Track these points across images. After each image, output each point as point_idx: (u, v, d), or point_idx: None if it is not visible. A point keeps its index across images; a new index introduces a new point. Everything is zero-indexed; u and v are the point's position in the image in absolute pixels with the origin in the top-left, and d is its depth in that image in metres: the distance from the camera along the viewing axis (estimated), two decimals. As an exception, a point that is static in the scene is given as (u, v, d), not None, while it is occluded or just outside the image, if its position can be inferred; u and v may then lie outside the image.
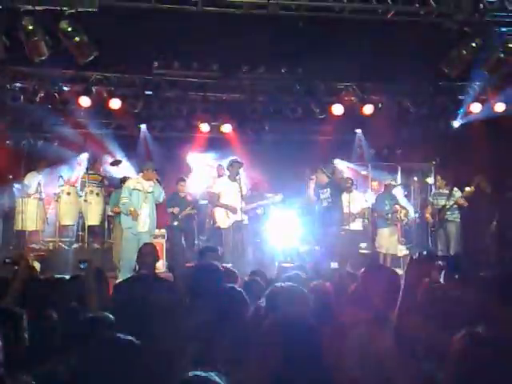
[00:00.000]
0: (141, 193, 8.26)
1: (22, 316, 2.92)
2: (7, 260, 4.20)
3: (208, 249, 5.68)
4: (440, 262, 2.55)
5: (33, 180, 10.29)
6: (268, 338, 2.19)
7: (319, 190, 8.86)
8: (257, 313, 3.14)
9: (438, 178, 10.48)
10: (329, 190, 8.77)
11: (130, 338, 2.15)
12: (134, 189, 8.30)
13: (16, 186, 10.18)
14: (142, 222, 8.22)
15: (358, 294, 3.54)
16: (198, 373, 1.99)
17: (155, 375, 2.53)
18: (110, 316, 2.95)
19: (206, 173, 12.02)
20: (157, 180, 8.39)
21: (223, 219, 9.01)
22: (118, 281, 6.24)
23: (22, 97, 10.08)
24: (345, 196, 9.32)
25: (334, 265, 5.48)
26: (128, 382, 1.97)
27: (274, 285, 3.54)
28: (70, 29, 7.03)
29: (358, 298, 3.42)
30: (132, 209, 8.18)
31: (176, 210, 10.02)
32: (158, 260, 5.54)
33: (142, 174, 8.54)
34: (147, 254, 5.28)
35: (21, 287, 3.87)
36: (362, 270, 3.13)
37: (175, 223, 10.15)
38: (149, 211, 8.30)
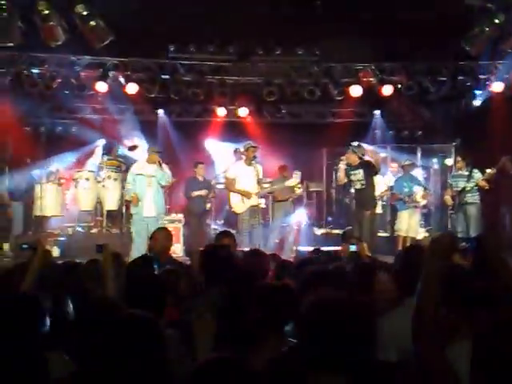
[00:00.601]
0: (145, 177, 8.21)
1: (38, 301, 2.92)
2: (24, 245, 4.20)
3: (223, 233, 5.66)
4: (463, 243, 2.44)
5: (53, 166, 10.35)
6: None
7: (350, 172, 8.68)
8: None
9: (459, 159, 10.26)
10: (362, 171, 8.56)
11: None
12: (137, 174, 8.26)
13: (35, 171, 10.23)
14: (147, 206, 8.17)
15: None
16: (219, 356, 1.93)
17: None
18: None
19: (222, 157, 11.96)
20: (159, 163, 8.29)
21: (239, 204, 8.93)
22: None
23: (39, 82, 10.10)
24: None
25: (352, 247, 5.40)
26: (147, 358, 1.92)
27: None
28: (85, 13, 6.98)
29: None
30: (133, 195, 8.13)
31: (204, 191, 10.00)
32: (170, 245, 5.53)
33: (146, 157, 8.46)
34: (156, 239, 5.29)
35: (37, 272, 3.89)
36: None
37: (207, 206, 10.18)
38: (153, 195, 8.23)
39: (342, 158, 8.78)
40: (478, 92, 11.48)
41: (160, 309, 3.05)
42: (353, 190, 9.39)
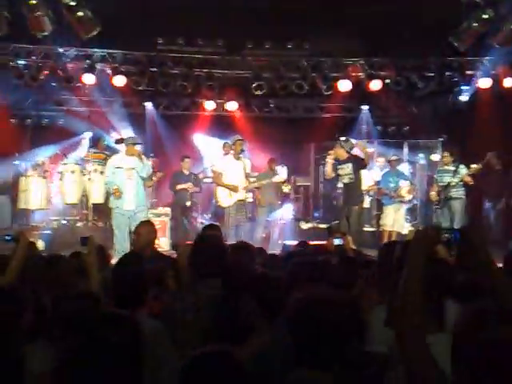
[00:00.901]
0: (124, 170, 7.94)
1: (18, 295, 2.90)
2: (7, 237, 4.14)
3: (210, 226, 5.63)
4: (447, 235, 2.45)
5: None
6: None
7: (338, 166, 8.67)
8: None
9: (445, 154, 10.29)
10: (350, 165, 8.52)
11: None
12: (117, 167, 8.01)
13: (20, 163, 10.14)
14: (127, 200, 7.92)
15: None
16: (211, 348, 1.91)
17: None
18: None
19: (210, 152, 11.94)
20: (139, 154, 8.07)
21: (226, 198, 8.91)
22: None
23: (25, 74, 10.00)
24: None
25: (337, 241, 5.40)
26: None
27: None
28: (72, 3, 6.90)
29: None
30: (115, 187, 7.90)
31: (189, 185, 9.95)
32: (154, 239, 5.48)
33: (125, 149, 8.19)
34: (140, 234, 5.24)
35: (19, 264, 3.85)
36: None
37: (188, 203, 10.08)
38: (134, 188, 7.98)
39: (330, 152, 8.77)
40: (464, 88, 11.55)
41: (142, 303, 3.06)
42: (340, 185, 9.40)
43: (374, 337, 2.85)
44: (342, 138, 8.88)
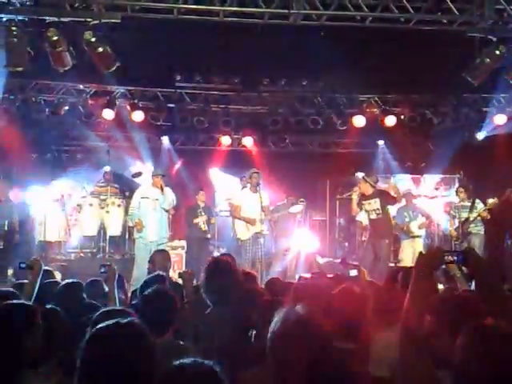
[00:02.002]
0: (149, 200, 8.23)
1: (35, 312, 2.93)
2: (22, 264, 4.22)
3: (224, 255, 5.65)
4: (450, 257, 2.46)
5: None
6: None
7: (363, 201, 8.60)
8: None
9: (461, 189, 10.25)
10: (378, 200, 8.44)
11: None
12: (142, 197, 8.30)
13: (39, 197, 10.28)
14: (151, 230, 8.17)
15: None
16: (193, 360, 1.85)
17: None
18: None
19: (226, 186, 12.02)
20: (161, 186, 8.31)
21: (243, 231, 8.95)
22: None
23: (46, 109, 10.26)
24: None
25: (352, 272, 5.36)
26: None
27: None
28: (93, 39, 7.14)
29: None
30: (137, 220, 8.13)
31: (204, 218, 9.94)
32: (169, 267, 5.54)
33: (151, 181, 8.52)
34: (155, 261, 5.32)
35: (33, 288, 3.91)
36: None
37: (208, 236, 10.09)
38: (158, 220, 8.23)
39: (355, 188, 8.70)
40: (480, 124, 11.59)
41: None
42: (365, 221, 9.28)
43: (376, 361, 2.82)
44: (360, 174, 8.84)
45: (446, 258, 2.41)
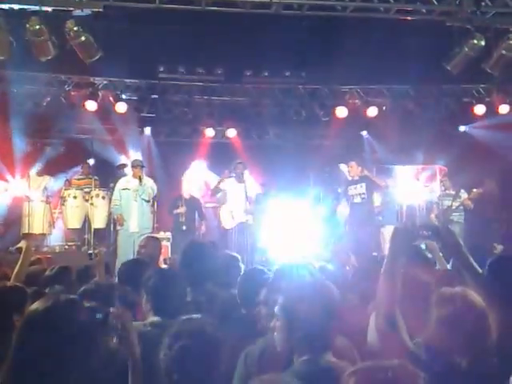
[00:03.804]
0: (130, 192, 8.22)
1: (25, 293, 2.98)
2: (11, 248, 4.27)
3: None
4: (425, 232, 2.55)
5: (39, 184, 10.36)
6: None
7: (349, 186, 8.59)
8: None
9: (445, 179, 10.42)
10: (364, 184, 8.48)
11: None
12: (123, 189, 8.27)
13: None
14: (133, 222, 8.15)
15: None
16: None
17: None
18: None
19: (210, 177, 12.03)
20: (139, 177, 8.28)
21: (228, 220, 9.01)
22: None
23: (28, 101, 10.19)
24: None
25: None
26: None
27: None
28: (75, 28, 7.13)
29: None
30: (118, 216, 8.13)
31: (182, 209, 9.94)
32: (159, 256, 5.51)
33: (131, 172, 8.49)
34: (144, 246, 5.28)
35: (23, 269, 3.95)
36: None
37: (183, 228, 10.06)
38: (139, 210, 8.22)
39: (342, 165, 8.70)
40: (462, 115, 11.75)
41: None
42: (347, 207, 9.38)
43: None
44: (344, 165, 8.81)
45: (420, 233, 2.49)
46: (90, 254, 4.28)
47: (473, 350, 1.93)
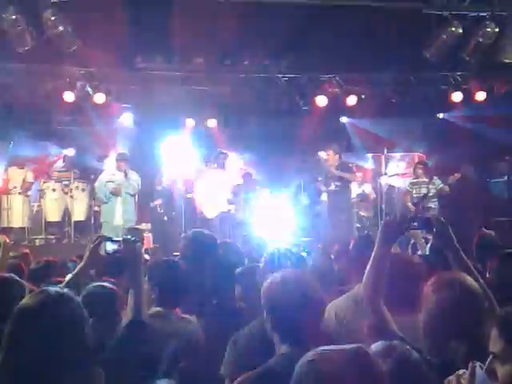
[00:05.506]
0: (114, 185, 8.21)
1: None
2: None
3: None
4: (414, 223, 2.61)
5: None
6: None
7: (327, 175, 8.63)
8: None
9: (419, 166, 10.46)
10: (340, 171, 8.52)
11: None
12: (108, 181, 8.25)
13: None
14: (118, 215, 8.15)
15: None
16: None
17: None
18: None
19: (191, 167, 11.97)
20: (125, 171, 8.28)
21: (210, 209, 9.01)
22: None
23: (5, 93, 10.03)
24: None
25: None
26: None
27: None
28: (53, 18, 7.02)
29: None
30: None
31: (158, 201, 9.91)
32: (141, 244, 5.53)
33: (115, 165, 8.48)
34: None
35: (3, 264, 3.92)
36: None
37: (165, 218, 10.04)
38: (123, 203, 8.23)
39: (322, 153, 8.75)
40: (440, 102, 11.86)
41: None
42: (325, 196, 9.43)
43: None
44: (323, 153, 8.89)
45: (412, 224, 2.55)
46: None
47: (471, 336, 1.97)
